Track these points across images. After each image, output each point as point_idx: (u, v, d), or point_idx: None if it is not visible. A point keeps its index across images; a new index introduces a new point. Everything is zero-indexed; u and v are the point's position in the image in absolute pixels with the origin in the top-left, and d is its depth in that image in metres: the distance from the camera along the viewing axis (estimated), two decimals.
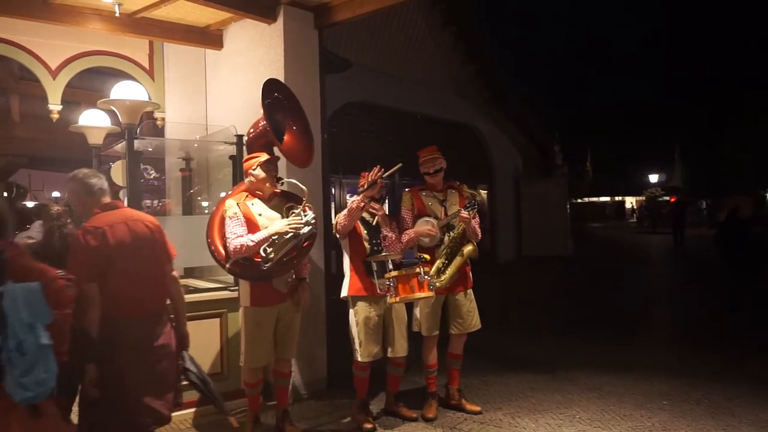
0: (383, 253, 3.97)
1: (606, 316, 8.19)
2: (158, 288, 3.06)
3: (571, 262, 15.38)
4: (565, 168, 19.10)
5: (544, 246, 15.59)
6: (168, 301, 3.20)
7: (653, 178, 34.75)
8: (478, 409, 4.37)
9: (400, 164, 4.03)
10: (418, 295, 3.83)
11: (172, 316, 3.22)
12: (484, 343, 4.55)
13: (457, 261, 4.19)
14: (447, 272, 4.15)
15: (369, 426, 4.06)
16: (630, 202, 47.07)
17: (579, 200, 30.86)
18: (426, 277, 3.83)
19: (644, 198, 36.51)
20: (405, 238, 4.20)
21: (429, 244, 4.21)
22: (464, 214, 4.13)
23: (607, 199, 45.41)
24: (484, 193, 14.28)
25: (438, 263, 4.15)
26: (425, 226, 4.18)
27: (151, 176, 5.61)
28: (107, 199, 3.04)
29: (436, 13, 10.46)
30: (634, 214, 42.76)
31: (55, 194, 21.34)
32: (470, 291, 4.34)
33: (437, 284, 4.10)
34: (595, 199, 42.48)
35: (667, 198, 35.66)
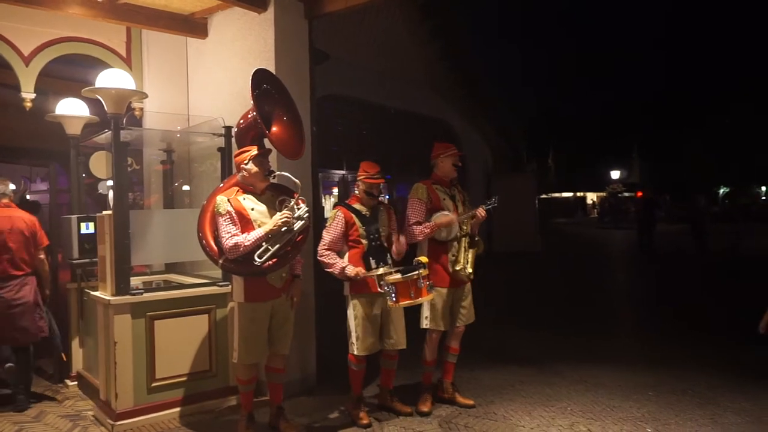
0: (388, 265, 4.00)
1: (583, 310, 8.36)
2: (21, 262, 4.52)
3: (541, 258, 15.64)
4: (534, 164, 19.39)
5: (515, 242, 15.75)
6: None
7: (614, 174, 35.62)
8: (471, 402, 4.39)
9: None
10: (418, 301, 3.82)
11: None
12: (470, 339, 4.57)
13: (474, 252, 4.23)
14: (470, 263, 4.18)
15: (365, 421, 4.03)
16: (591, 198, 48.15)
17: (544, 196, 31.39)
18: (425, 282, 3.81)
19: (606, 194, 37.37)
20: (426, 230, 4.15)
21: (446, 238, 4.19)
22: (482, 212, 4.16)
23: (570, 194, 46.36)
24: None
25: (466, 255, 4.17)
26: (447, 217, 4.16)
27: (132, 168, 5.41)
28: (6, 201, 4.57)
29: (414, 8, 10.43)
30: (595, 210, 43.74)
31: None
32: (470, 283, 4.36)
33: (470, 276, 4.16)
34: (557, 194, 43.30)
35: (627, 194, 36.61)
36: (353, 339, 4.01)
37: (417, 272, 3.79)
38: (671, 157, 37.03)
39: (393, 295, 3.75)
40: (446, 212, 4.20)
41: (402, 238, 4.18)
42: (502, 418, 4.17)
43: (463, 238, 4.20)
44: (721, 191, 38.46)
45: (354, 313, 3.99)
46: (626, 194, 37.19)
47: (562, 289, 10.50)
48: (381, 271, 3.86)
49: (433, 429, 4.01)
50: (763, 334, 3.72)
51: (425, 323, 4.26)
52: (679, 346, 6.12)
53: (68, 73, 6.21)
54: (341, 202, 4.21)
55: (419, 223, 4.18)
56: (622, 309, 8.84)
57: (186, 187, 5.55)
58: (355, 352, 4.01)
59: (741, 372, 5.05)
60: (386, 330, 4.08)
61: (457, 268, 4.15)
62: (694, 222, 15.69)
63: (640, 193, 17.61)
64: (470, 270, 4.16)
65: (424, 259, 3.97)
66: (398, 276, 3.77)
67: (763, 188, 37.52)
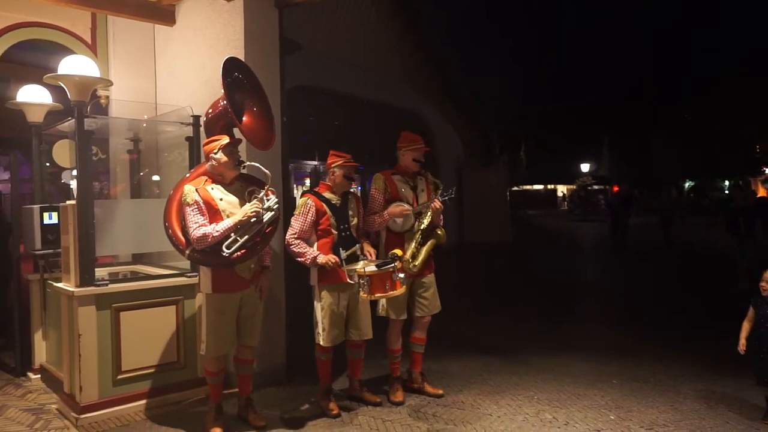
0: (356, 246, 3.99)
1: (551, 300, 8.50)
2: None
3: (512, 249, 15.83)
4: (505, 156, 19.55)
5: (486, 233, 15.95)
6: None
7: (584, 167, 36.13)
8: (440, 392, 4.43)
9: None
10: (391, 293, 3.79)
11: None
12: (439, 328, 4.61)
13: (430, 245, 4.23)
14: (420, 256, 4.17)
15: (335, 411, 4.04)
16: (561, 190, 48.81)
17: (515, 188, 31.75)
18: (399, 276, 3.80)
19: (576, 187, 37.90)
20: (378, 219, 4.17)
21: (400, 229, 4.20)
22: (437, 204, 4.16)
23: (541, 187, 46.95)
24: None
25: (412, 247, 4.16)
26: (399, 207, 4.16)
27: (97, 157, 5.30)
28: None
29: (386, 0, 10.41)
30: (565, 202, 44.36)
31: None
32: (433, 274, 4.37)
33: (412, 268, 4.12)
34: (528, 187, 43.81)
35: (597, 186, 37.18)
36: (319, 329, 4.00)
37: (393, 265, 3.78)
38: (641, 150, 37.75)
39: (367, 286, 3.73)
40: (401, 203, 4.21)
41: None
42: (470, 407, 4.22)
43: (418, 232, 4.20)
44: (687, 185, 39.37)
45: (321, 303, 3.98)
46: (596, 187, 37.80)
47: (532, 280, 10.65)
48: (360, 264, 3.83)
49: (402, 418, 4.04)
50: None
51: (381, 311, 4.28)
52: (641, 335, 6.26)
53: (30, 59, 6.04)
54: (310, 190, 4.16)
55: (375, 213, 4.21)
56: (589, 299, 9.02)
57: (155, 177, 5.46)
58: (321, 343, 4.00)
59: (701, 361, 5.19)
60: (353, 321, 4.08)
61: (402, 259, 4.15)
62: (665, 214, 15.98)
63: (616, 188, 17.05)
64: (416, 263, 4.14)
65: (399, 251, 3.98)
66: (374, 268, 3.75)
67: (727, 182, 38.52)
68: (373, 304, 4.17)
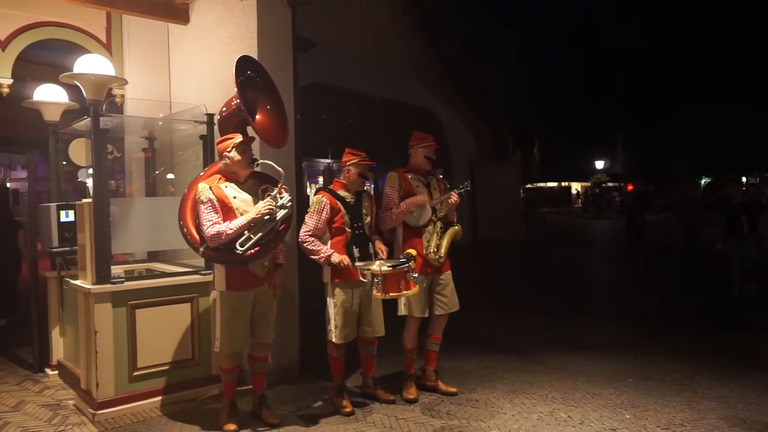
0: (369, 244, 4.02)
1: (565, 298, 8.45)
2: None
3: (525, 246, 15.74)
4: (518, 153, 19.45)
5: (499, 230, 15.91)
6: None
7: (599, 164, 35.82)
8: (453, 390, 4.42)
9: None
10: (405, 293, 3.80)
11: None
12: (453, 326, 4.59)
13: (449, 237, 4.24)
14: (443, 247, 4.19)
15: (348, 409, 4.05)
16: (575, 188, 48.48)
17: (529, 185, 31.59)
18: (413, 275, 3.80)
19: (590, 184, 37.60)
20: (396, 211, 4.18)
21: (417, 223, 4.20)
22: (455, 196, 4.17)
23: (555, 184, 46.69)
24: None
25: (435, 239, 4.17)
26: (418, 197, 4.17)
27: (112, 156, 5.34)
28: None
29: None
30: (579, 200, 44.05)
31: None
32: (450, 272, 4.37)
33: (439, 259, 4.15)
34: (542, 184, 43.56)
35: (612, 184, 36.84)
36: (331, 326, 4.01)
37: (407, 265, 3.79)
38: (655, 147, 37.32)
39: (381, 285, 3.73)
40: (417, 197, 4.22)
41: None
42: (484, 405, 4.21)
43: (437, 222, 4.22)
44: (703, 182, 38.90)
45: (334, 301, 3.99)
46: (610, 184, 37.50)
47: (545, 277, 10.59)
48: (376, 264, 3.82)
49: (415, 416, 4.04)
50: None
51: (403, 310, 4.28)
52: (656, 333, 6.20)
53: (46, 58, 6.10)
54: (324, 187, 4.17)
55: (391, 209, 4.21)
56: (602, 297, 8.95)
57: (170, 175, 5.50)
58: (334, 340, 4.01)
59: (717, 360, 5.13)
60: (365, 318, 4.09)
61: (425, 252, 4.16)
62: (688, 212, 15.63)
63: (631, 186, 16.21)
64: (441, 254, 4.18)
65: (413, 251, 3.98)
66: (389, 268, 3.75)
67: (744, 179, 38.03)
68: (394, 303, 4.17)
